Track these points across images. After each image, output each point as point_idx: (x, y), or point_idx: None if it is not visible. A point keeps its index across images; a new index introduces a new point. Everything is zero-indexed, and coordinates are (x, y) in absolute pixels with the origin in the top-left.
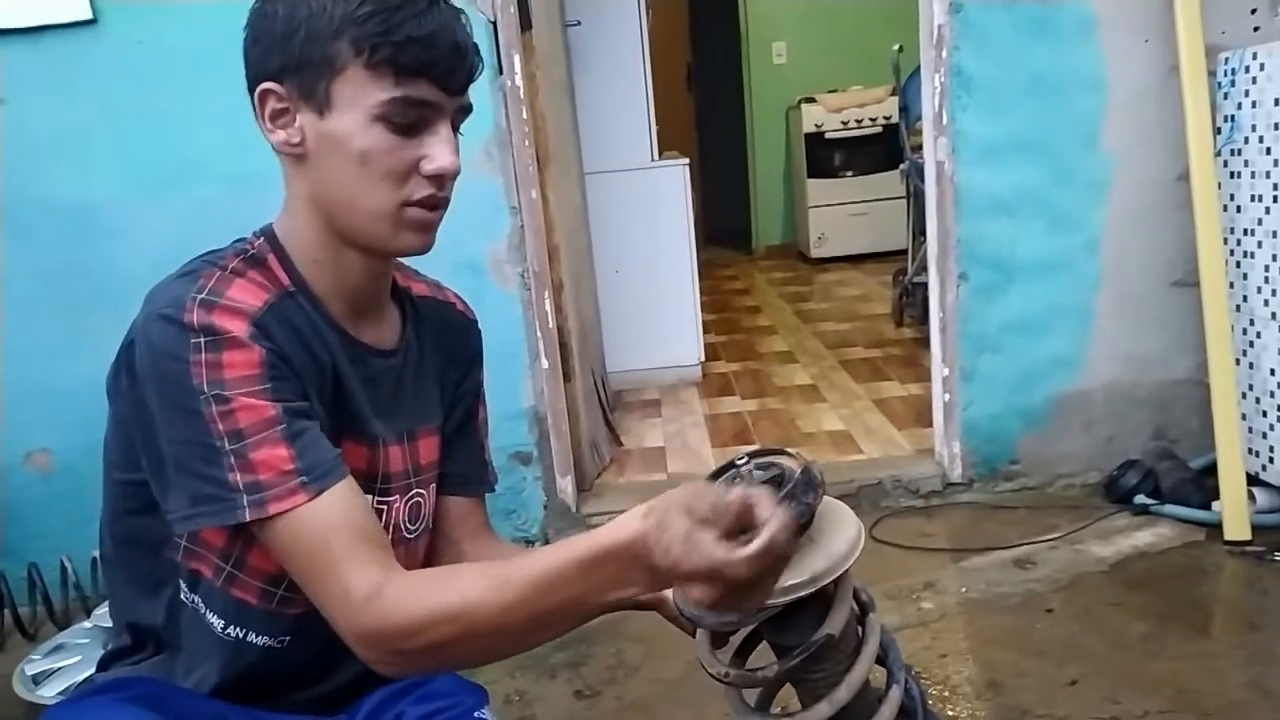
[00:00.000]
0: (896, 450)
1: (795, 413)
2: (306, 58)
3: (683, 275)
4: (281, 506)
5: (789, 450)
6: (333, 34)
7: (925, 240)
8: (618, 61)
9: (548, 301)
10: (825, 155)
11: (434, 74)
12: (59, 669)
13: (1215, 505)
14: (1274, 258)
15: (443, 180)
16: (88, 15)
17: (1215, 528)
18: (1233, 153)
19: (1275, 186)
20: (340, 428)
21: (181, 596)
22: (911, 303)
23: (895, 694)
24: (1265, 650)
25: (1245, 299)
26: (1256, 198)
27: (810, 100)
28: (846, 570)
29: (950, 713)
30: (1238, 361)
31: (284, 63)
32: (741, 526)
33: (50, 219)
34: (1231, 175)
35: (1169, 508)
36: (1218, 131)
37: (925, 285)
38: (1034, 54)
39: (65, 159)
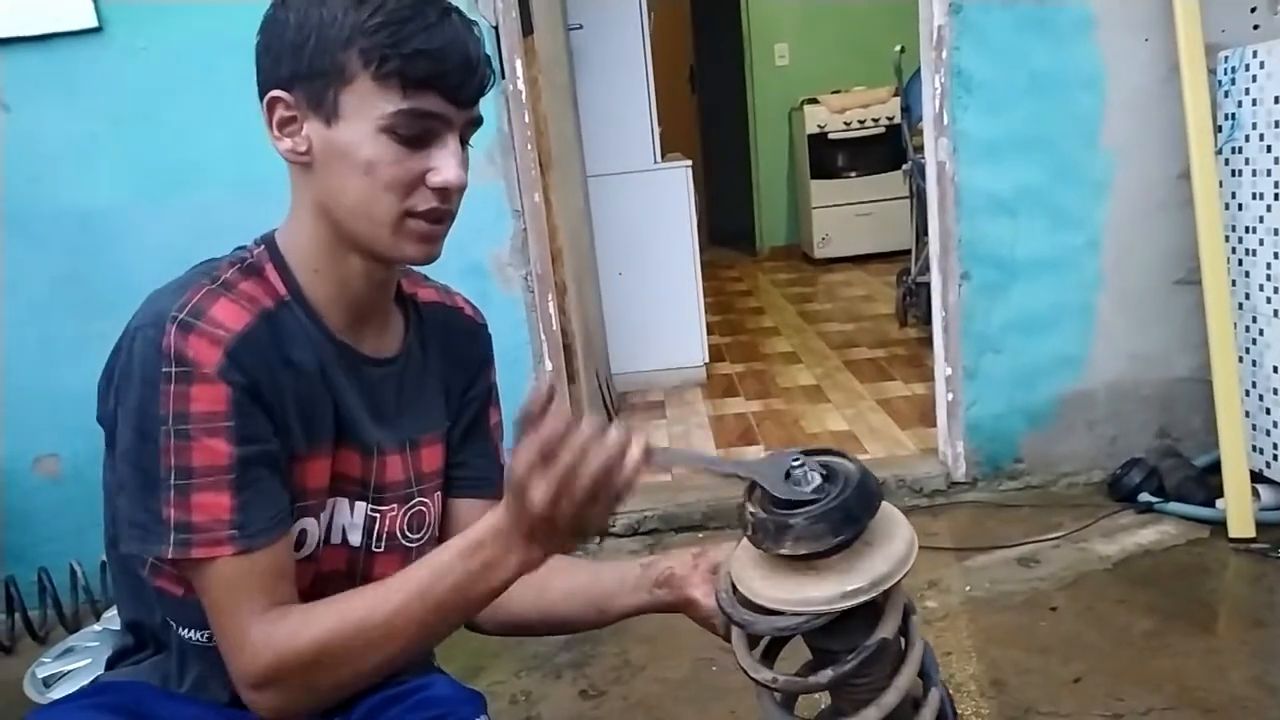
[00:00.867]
0: (901, 450)
1: (799, 413)
2: (315, 67)
3: (686, 277)
4: (206, 553)
5: (842, 452)
6: (342, 44)
7: (928, 240)
8: (620, 64)
9: (551, 304)
10: (828, 156)
11: (442, 87)
12: (69, 671)
13: (1219, 503)
14: (1275, 255)
15: (448, 193)
16: (93, 23)
17: (1219, 525)
18: (1234, 151)
19: (1276, 184)
20: (334, 437)
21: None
22: (915, 303)
23: (935, 697)
24: (1269, 647)
25: (1247, 296)
26: (1258, 195)
27: (813, 101)
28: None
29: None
30: (1240, 359)
31: (293, 71)
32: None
33: (56, 225)
34: (1233, 173)
35: (1173, 505)
36: (1218, 130)
37: (929, 285)
38: (1034, 53)
39: (71, 166)
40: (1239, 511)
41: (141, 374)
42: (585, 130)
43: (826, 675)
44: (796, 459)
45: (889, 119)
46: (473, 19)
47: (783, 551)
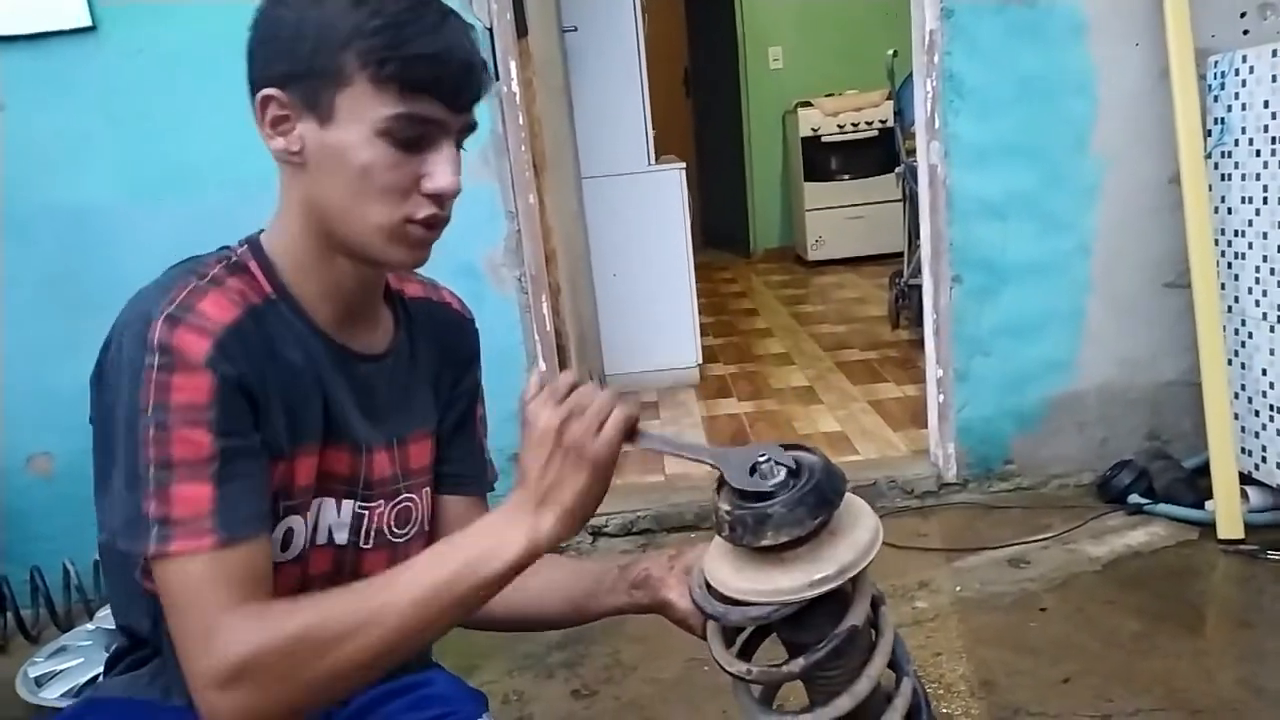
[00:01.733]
0: (892, 451)
1: (792, 414)
2: (312, 67)
3: (680, 278)
4: (185, 546)
5: (808, 446)
6: (340, 45)
7: (920, 243)
8: (614, 66)
9: (545, 305)
10: (822, 159)
11: (440, 91)
12: (62, 671)
13: (1208, 504)
14: (1265, 259)
15: (443, 200)
16: (87, 22)
17: (1208, 527)
18: (1223, 155)
19: (1265, 188)
20: (322, 435)
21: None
22: (907, 305)
23: (907, 686)
24: (1257, 648)
25: (1236, 300)
26: (1247, 199)
27: (807, 104)
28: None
29: (944, 711)
30: (1230, 362)
31: (289, 70)
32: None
33: (50, 224)
34: (1222, 177)
35: (1162, 507)
36: (1208, 134)
37: (921, 288)
38: (1025, 58)
39: (65, 164)
40: (1228, 513)
41: (128, 367)
42: (579, 132)
43: (799, 664)
44: (763, 454)
45: (882, 122)
46: (469, 23)
47: (764, 543)
